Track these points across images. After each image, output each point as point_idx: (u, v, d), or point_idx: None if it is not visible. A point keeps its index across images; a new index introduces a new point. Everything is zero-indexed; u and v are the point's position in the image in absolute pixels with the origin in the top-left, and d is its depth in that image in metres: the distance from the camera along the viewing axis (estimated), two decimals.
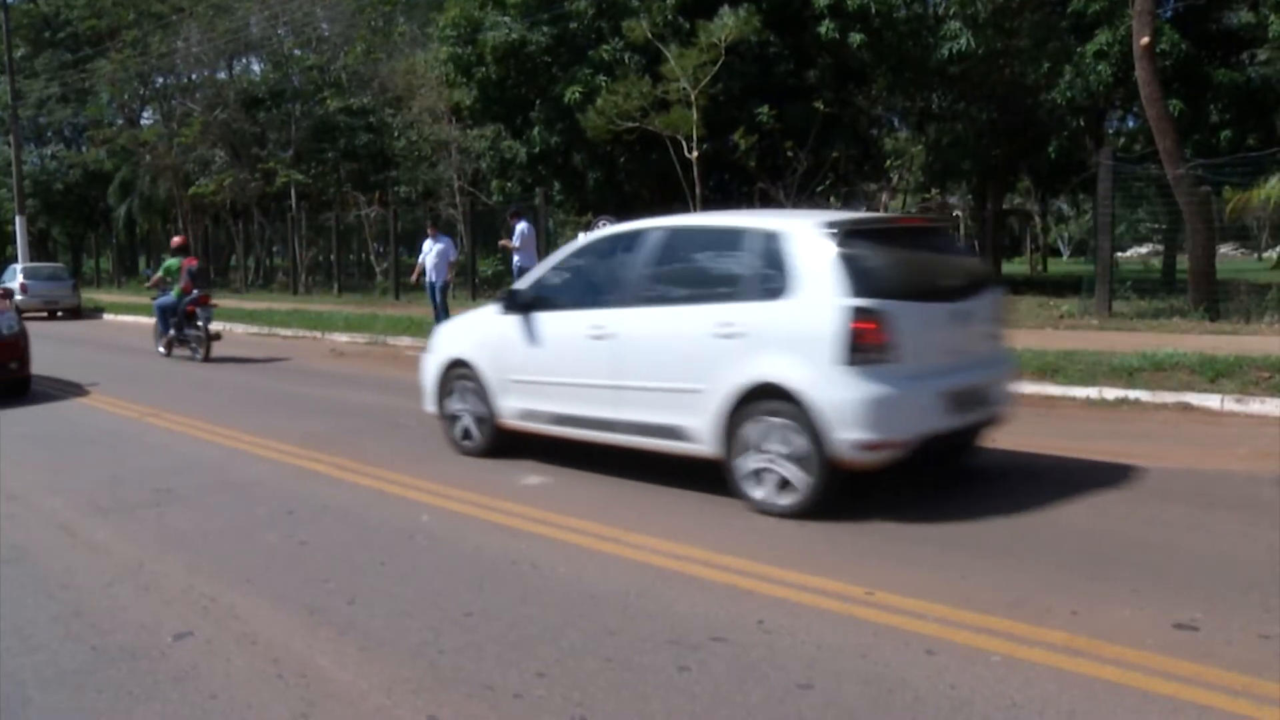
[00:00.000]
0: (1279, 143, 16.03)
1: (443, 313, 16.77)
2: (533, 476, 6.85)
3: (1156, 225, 17.62)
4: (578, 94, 20.61)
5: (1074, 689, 3.43)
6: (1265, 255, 34.98)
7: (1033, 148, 22.95)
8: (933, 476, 6.44)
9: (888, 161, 23.03)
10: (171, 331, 15.33)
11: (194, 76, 37.37)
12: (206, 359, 14.65)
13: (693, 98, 18.63)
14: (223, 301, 27.90)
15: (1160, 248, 19.51)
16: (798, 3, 20.61)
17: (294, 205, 33.57)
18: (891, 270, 5.85)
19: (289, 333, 19.33)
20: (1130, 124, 22.73)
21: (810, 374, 5.58)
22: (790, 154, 18.88)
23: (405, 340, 16.46)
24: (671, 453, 6.34)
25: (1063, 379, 9.30)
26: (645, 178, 22.91)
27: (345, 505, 6.34)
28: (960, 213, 38.06)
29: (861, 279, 5.56)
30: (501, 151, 24.53)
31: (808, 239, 5.81)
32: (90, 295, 32.76)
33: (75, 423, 9.98)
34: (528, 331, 7.07)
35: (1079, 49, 18.51)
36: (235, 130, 33.56)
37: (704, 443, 6.04)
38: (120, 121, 40.70)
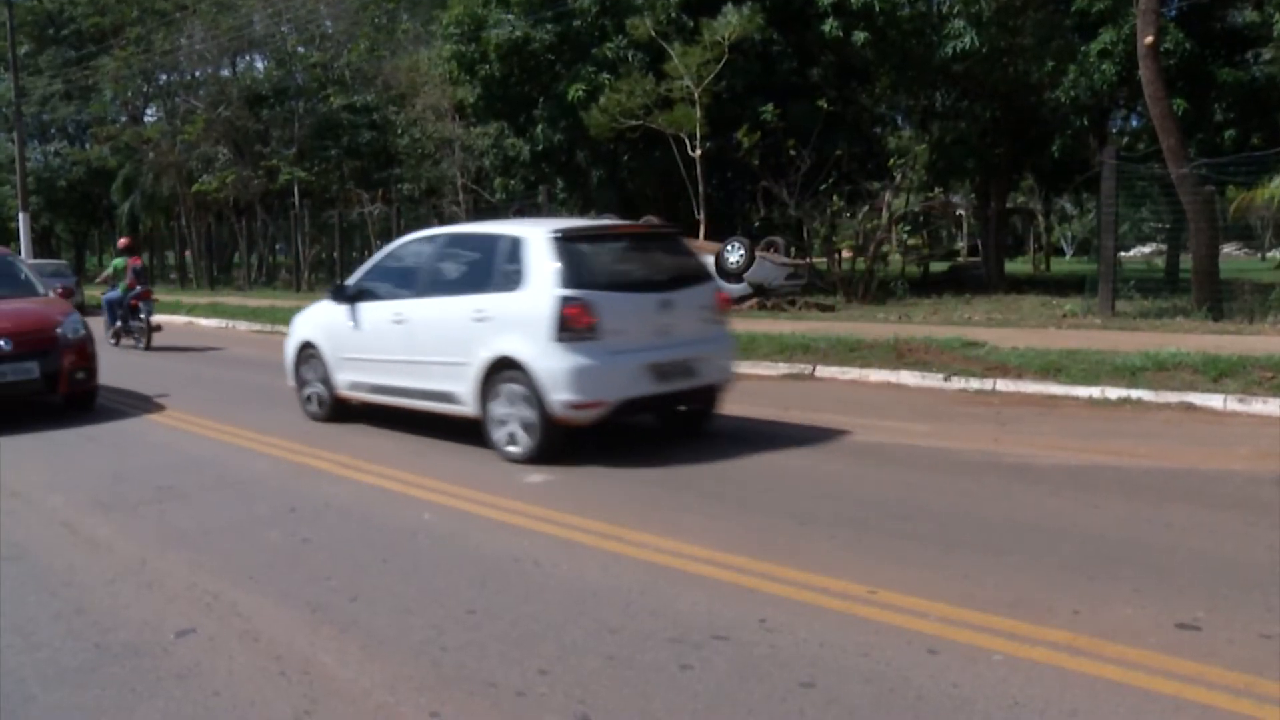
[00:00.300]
0: None
1: None
2: (535, 474, 6.85)
3: (1160, 224, 17.60)
4: (581, 92, 20.60)
5: (1076, 688, 3.43)
6: (1269, 255, 34.98)
7: (1036, 146, 22.94)
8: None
9: (891, 160, 23.00)
10: (119, 323, 16.98)
11: (197, 74, 37.36)
12: (148, 348, 16.32)
13: (696, 96, 18.63)
14: (226, 299, 28.00)
15: (1164, 247, 19.50)
16: (801, 1, 20.60)
17: (297, 203, 33.58)
18: (600, 267, 7.38)
19: None
20: (1134, 123, 22.73)
21: (533, 348, 7.05)
22: (793, 152, 18.86)
23: None
24: (448, 414, 7.85)
25: (1065, 378, 9.30)
26: (648, 176, 22.91)
27: (347, 503, 6.35)
28: (963, 211, 38.07)
29: (573, 274, 7.06)
30: (505, 149, 24.53)
31: (538, 243, 7.30)
32: (92, 292, 32.75)
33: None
34: (352, 318, 8.67)
35: (1083, 48, 18.49)
36: (238, 127, 33.56)
37: (468, 405, 7.54)
38: (124, 119, 40.69)
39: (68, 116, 43.82)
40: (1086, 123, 20.73)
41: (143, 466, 7.57)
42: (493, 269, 7.61)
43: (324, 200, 34.95)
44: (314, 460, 7.59)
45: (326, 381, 9.00)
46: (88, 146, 44.07)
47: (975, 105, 21.85)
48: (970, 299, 18.92)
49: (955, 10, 19.34)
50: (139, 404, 10.66)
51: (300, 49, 36.03)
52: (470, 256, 8.19)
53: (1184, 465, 6.64)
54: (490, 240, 7.95)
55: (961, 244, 42.32)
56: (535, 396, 7.01)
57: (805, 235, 21.15)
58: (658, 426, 8.40)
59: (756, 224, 22.63)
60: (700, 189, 19.35)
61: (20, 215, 32.45)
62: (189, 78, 37.54)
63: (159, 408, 10.39)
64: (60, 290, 11.88)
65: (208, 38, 34.44)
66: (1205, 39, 18.75)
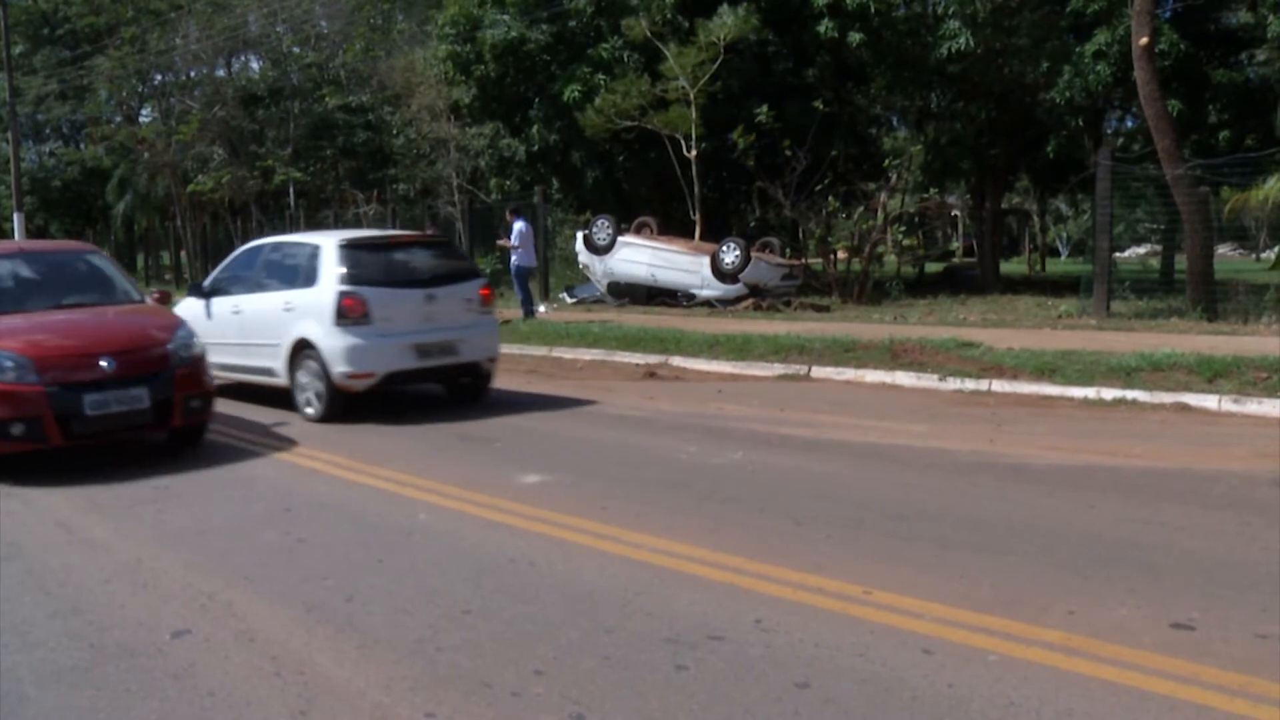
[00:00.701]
0: (1277, 143, 16.03)
1: None
2: (531, 475, 6.86)
3: (1155, 225, 17.63)
4: (577, 92, 20.61)
5: (1071, 688, 3.44)
6: (1263, 255, 35.03)
7: (1031, 147, 22.97)
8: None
9: (886, 160, 22.96)
10: None
11: (192, 74, 37.28)
12: None
13: (691, 96, 18.64)
14: None
15: (1158, 248, 19.52)
16: (797, 1, 20.60)
17: (292, 203, 33.53)
18: (376, 268, 9.41)
19: None
20: (1129, 124, 22.75)
21: (320, 331, 9.13)
22: (789, 153, 18.87)
23: None
24: (271, 386, 9.85)
25: (1060, 379, 9.31)
26: (644, 176, 22.92)
27: (343, 503, 6.35)
28: (959, 212, 38.09)
29: (352, 274, 9.19)
30: (500, 149, 24.53)
31: (329, 249, 9.42)
32: None
33: None
34: (206, 311, 10.50)
35: (1078, 48, 18.53)
36: (234, 127, 33.50)
37: (282, 378, 9.64)
38: (119, 119, 40.59)
39: (63, 116, 43.71)
40: (1081, 123, 20.76)
41: (137, 467, 7.57)
42: (299, 270, 9.74)
43: (319, 200, 34.90)
44: (309, 461, 7.58)
45: None
46: (83, 146, 43.96)
47: (970, 106, 21.86)
48: (965, 300, 18.94)
49: (950, 11, 19.36)
50: None
51: (295, 49, 35.95)
52: (286, 260, 10.19)
53: (1179, 466, 6.65)
54: (299, 247, 10.15)
55: (957, 245, 42.28)
56: (323, 369, 9.12)
57: (801, 236, 21.15)
58: (654, 428, 8.41)
59: (752, 224, 22.65)
60: (696, 189, 19.35)
61: (15, 215, 32.32)
62: (184, 78, 37.47)
63: None
64: (157, 295, 9.59)
65: (203, 38, 34.38)
66: (1200, 40, 18.79)
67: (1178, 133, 14.73)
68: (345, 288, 9.08)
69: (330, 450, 7.85)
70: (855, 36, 19.59)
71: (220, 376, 9.47)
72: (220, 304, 10.46)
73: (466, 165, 27.26)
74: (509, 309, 16.51)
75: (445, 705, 3.49)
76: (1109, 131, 22.65)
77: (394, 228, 27.54)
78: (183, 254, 39.74)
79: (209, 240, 37.99)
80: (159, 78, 37.77)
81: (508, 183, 25.19)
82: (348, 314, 9.03)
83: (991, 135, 22.39)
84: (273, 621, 4.32)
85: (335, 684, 3.70)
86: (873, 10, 19.23)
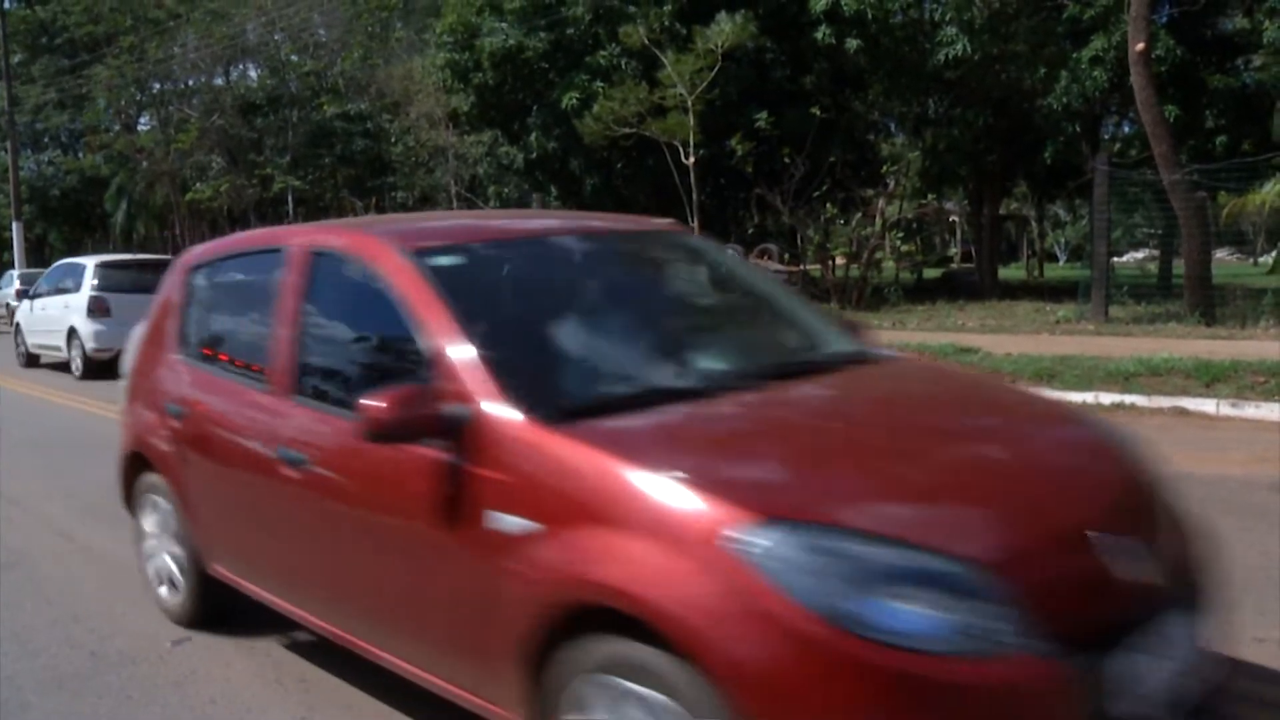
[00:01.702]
0: (1274, 148, 16.09)
1: None
2: None
3: (1152, 230, 17.67)
4: (575, 99, 20.64)
5: None
6: (1261, 259, 35.13)
7: (1029, 153, 22.98)
8: None
9: (884, 166, 23.04)
10: None
11: (191, 82, 37.41)
12: None
13: (689, 103, 18.66)
14: None
15: (1156, 253, 19.56)
16: (794, 8, 20.66)
17: (291, 211, 33.61)
18: (120, 280, 14.31)
19: None
20: (1126, 129, 22.78)
21: (79, 321, 14.15)
22: (787, 159, 18.91)
23: None
24: (60, 359, 15.02)
25: (1059, 384, 9.32)
26: (642, 183, 22.94)
27: None
28: (957, 218, 38.16)
29: (102, 283, 14.37)
30: (499, 157, 24.58)
31: (90, 266, 14.89)
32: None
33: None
34: (30, 309, 16.26)
35: (1075, 54, 18.56)
36: (232, 136, 33.60)
37: (64, 353, 14.79)
38: (117, 127, 40.66)
39: (61, 125, 43.78)
40: (1079, 129, 20.79)
41: None
42: (73, 280, 15.03)
43: (318, 208, 34.99)
44: None
45: (24, 343, 16.61)
46: (81, 155, 44.03)
47: (968, 112, 21.88)
48: (964, 305, 18.96)
49: (947, 17, 19.40)
50: None
51: (294, 57, 36.07)
52: (69, 275, 15.45)
53: (1177, 470, 6.64)
54: (77, 265, 15.58)
55: (955, 250, 42.34)
56: (80, 346, 14.17)
57: (799, 242, 21.17)
58: None
59: (750, 231, 22.69)
60: (694, 196, 19.38)
61: (14, 224, 32.38)
62: (183, 86, 37.58)
63: None
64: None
65: (201, 46, 34.47)
66: (1196, 45, 18.83)
67: (1175, 138, 14.77)
68: (95, 293, 14.29)
69: None
70: (853, 43, 19.63)
71: (33, 352, 16.12)
72: (36, 304, 16.04)
73: (465, 173, 27.33)
74: None
75: (447, 713, 3.49)
76: (1106, 137, 22.68)
77: None
78: None
79: None
80: (157, 86, 37.86)
81: (506, 190, 25.26)
82: (95, 310, 14.13)
83: (989, 141, 22.41)
84: (274, 629, 4.33)
85: (336, 691, 3.70)
86: (870, 17, 19.26)
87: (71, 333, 14.32)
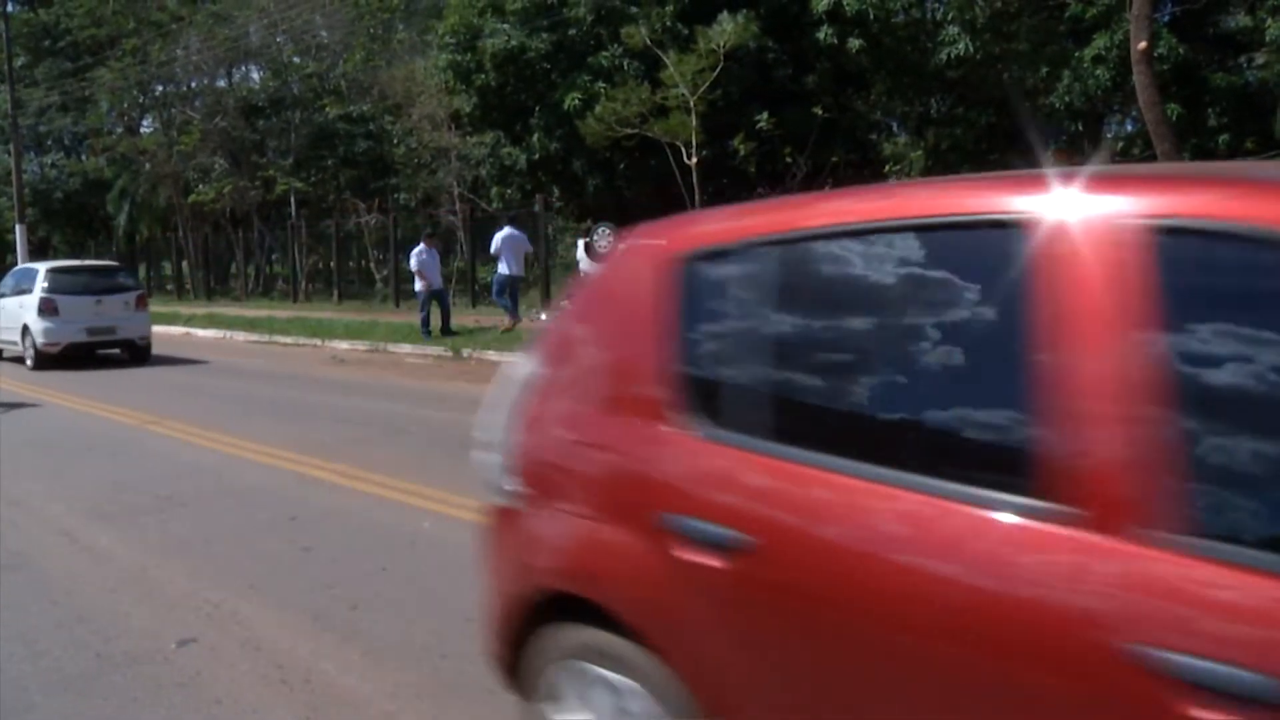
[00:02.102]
0: (1276, 146, 16.08)
1: (446, 317, 17.45)
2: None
3: None
4: (577, 100, 20.65)
5: None
6: None
7: (1031, 151, 22.97)
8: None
9: (887, 166, 23.02)
10: None
11: (193, 84, 37.41)
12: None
13: (692, 104, 18.66)
14: (223, 309, 27.99)
15: None
16: (796, 8, 20.66)
17: (294, 212, 33.59)
18: (67, 283, 16.30)
19: (289, 340, 19.32)
20: (1129, 128, 22.73)
21: (32, 319, 16.04)
22: (790, 159, 18.91)
23: (405, 348, 16.47)
24: (16, 353, 16.74)
25: None
26: (645, 184, 22.92)
27: (347, 511, 6.36)
28: None
29: (52, 286, 16.11)
30: (501, 158, 24.55)
31: (42, 271, 16.75)
32: None
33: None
34: None
35: (1077, 53, 18.55)
36: (235, 138, 33.60)
37: (19, 347, 16.50)
38: (120, 130, 40.67)
39: (64, 128, 43.80)
40: (1081, 128, 20.78)
41: (143, 475, 7.58)
42: (29, 283, 16.54)
43: (321, 210, 34.96)
44: (313, 469, 7.59)
45: None
46: (84, 158, 44.06)
47: (970, 111, 21.88)
48: None
49: (949, 17, 19.39)
50: (138, 414, 10.66)
51: (296, 59, 36.06)
52: (25, 278, 17.01)
53: None
54: (32, 269, 17.33)
55: None
56: (32, 340, 16.02)
57: None
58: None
59: None
60: (697, 196, 19.36)
61: (17, 227, 32.42)
62: (185, 88, 37.59)
63: (158, 418, 10.39)
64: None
65: (204, 49, 34.48)
66: (1198, 44, 18.80)
67: (1177, 137, 14.75)
68: (45, 295, 16.01)
69: (332, 459, 7.85)
70: (854, 43, 19.63)
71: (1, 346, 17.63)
72: (1, 303, 17.41)
73: (467, 174, 27.32)
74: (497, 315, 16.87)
75: (451, 712, 3.50)
76: (1108, 136, 22.65)
77: (395, 237, 27.73)
78: (185, 264, 39.79)
79: (210, 250, 38.07)
80: (160, 88, 37.88)
81: (509, 191, 25.22)
82: (44, 309, 15.96)
83: (991, 140, 22.40)
84: (278, 630, 4.34)
85: (341, 692, 3.71)
86: (872, 16, 19.25)
87: (25, 329, 16.25)
